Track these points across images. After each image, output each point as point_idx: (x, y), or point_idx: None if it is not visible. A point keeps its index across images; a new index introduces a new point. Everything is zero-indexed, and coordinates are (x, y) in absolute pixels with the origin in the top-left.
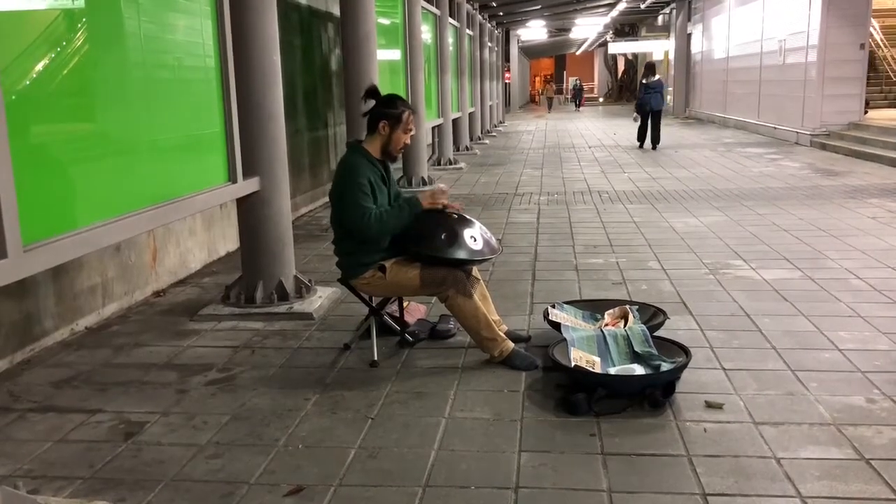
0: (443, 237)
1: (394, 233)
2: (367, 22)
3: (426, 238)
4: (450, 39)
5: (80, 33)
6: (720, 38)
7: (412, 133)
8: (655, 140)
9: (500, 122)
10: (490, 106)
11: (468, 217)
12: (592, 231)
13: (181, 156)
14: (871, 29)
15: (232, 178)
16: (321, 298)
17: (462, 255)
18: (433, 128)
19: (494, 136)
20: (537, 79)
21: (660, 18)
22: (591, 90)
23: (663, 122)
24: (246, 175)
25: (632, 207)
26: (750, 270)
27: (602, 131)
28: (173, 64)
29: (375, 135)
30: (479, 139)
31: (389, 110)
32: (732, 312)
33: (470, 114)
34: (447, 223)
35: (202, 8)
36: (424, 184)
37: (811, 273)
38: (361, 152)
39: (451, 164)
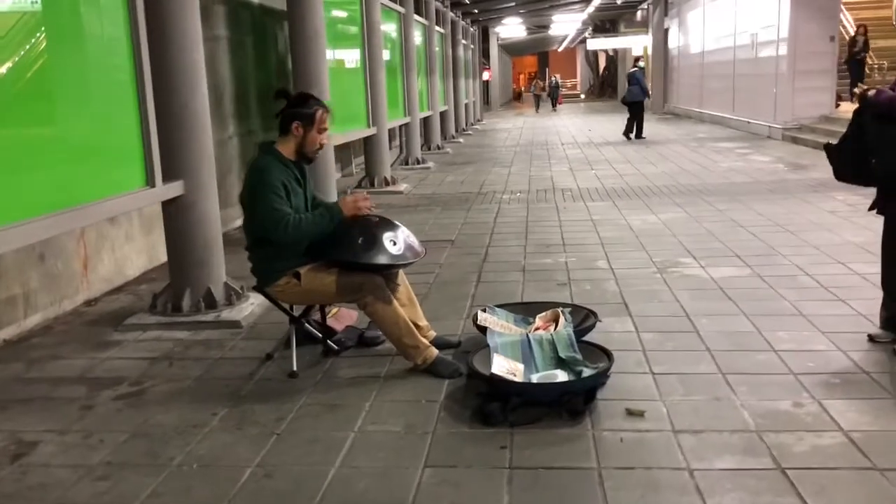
0: (360, 242)
1: (310, 240)
2: (314, 18)
3: (342, 243)
4: (416, 37)
5: None
6: (696, 32)
7: (327, 132)
8: (628, 131)
9: (478, 120)
10: (466, 104)
11: (389, 220)
12: (548, 230)
13: (87, 158)
14: (845, 21)
15: (150, 182)
16: (252, 305)
17: (381, 260)
18: (400, 127)
19: (470, 134)
20: (521, 76)
21: (638, 14)
22: (574, 87)
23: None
24: (167, 178)
25: (592, 205)
26: (698, 269)
27: (578, 129)
28: (78, 58)
29: (289, 136)
30: (453, 138)
31: (302, 110)
32: (672, 313)
33: (443, 112)
34: (365, 227)
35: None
36: (387, 184)
37: (760, 270)
38: (274, 154)
39: (419, 163)
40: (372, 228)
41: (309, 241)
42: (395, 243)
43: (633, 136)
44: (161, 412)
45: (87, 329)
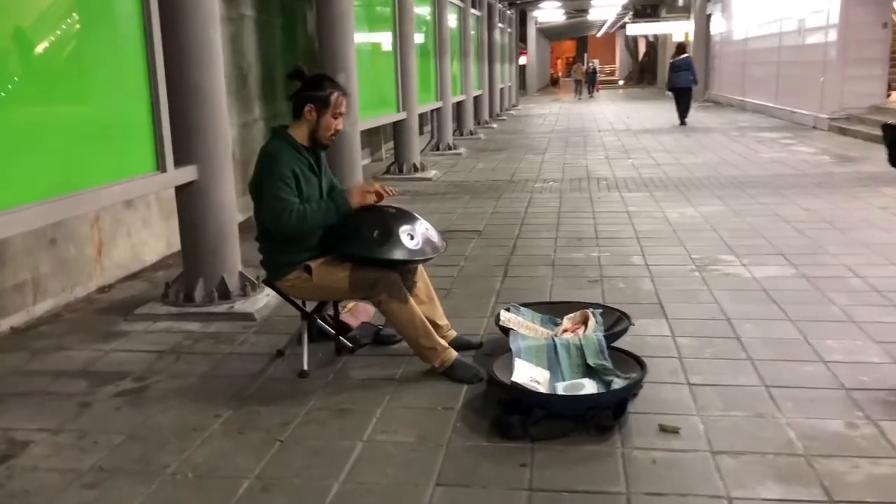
0: (374, 235)
1: (316, 232)
2: None
3: (356, 236)
4: (451, 20)
5: None
6: (739, 17)
7: (343, 117)
8: (682, 116)
9: (513, 106)
10: (501, 89)
11: (407, 211)
12: (581, 222)
13: (92, 140)
14: None
15: (161, 167)
16: (268, 297)
17: (396, 256)
18: (431, 111)
19: (505, 119)
20: (559, 61)
21: None
22: (613, 73)
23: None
24: (180, 163)
25: (628, 196)
26: (740, 267)
27: (616, 116)
28: (85, 34)
29: (302, 120)
30: (487, 123)
31: (316, 93)
32: (712, 316)
33: (476, 97)
34: (380, 219)
35: None
36: (416, 170)
37: (807, 271)
38: (286, 139)
39: (450, 149)
40: (388, 221)
41: (314, 232)
42: (412, 237)
43: (684, 121)
44: (161, 412)
45: (97, 318)
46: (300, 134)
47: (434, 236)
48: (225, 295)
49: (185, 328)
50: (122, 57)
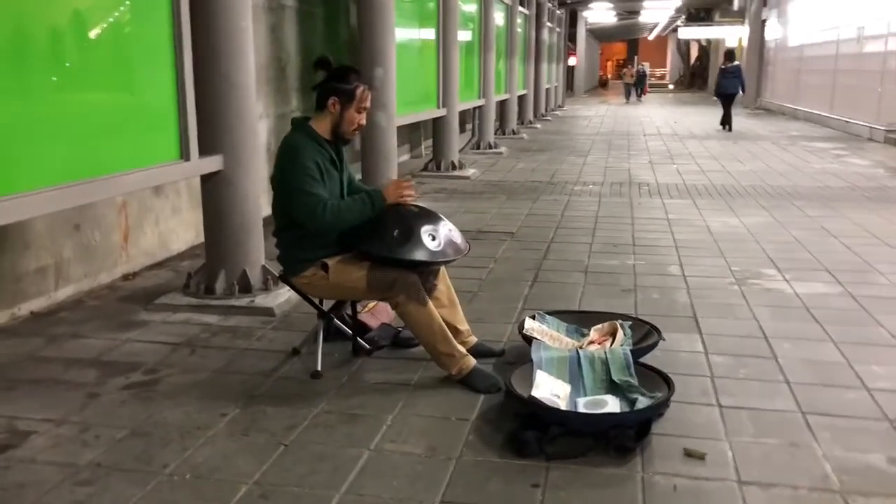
0: (395, 234)
1: (347, 228)
2: None
3: (375, 235)
4: (498, 17)
5: None
6: (796, 23)
7: (366, 111)
8: (725, 122)
9: (559, 106)
10: (547, 89)
11: (430, 211)
12: (618, 228)
13: (114, 125)
14: None
15: (184, 156)
16: (290, 292)
17: (417, 256)
18: (473, 109)
19: (549, 119)
20: (609, 63)
21: (735, 2)
22: (663, 77)
23: (732, 110)
24: (205, 153)
25: (670, 203)
26: (782, 282)
27: (663, 120)
28: (109, 21)
29: (325, 112)
30: (531, 123)
31: (341, 85)
32: (749, 333)
33: (521, 96)
34: (401, 218)
35: None
36: (453, 168)
37: (854, 289)
38: (307, 131)
39: (491, 147)
40: (409, 220)
41: (343, 229)
42: (433, 238)
43: (731, 127)
44: (168, 408)
45: (118, 305)
46: (322, 126)
47: (457, 237)
48: (246, 288)
49: (203, 320)
50: (149, 44)
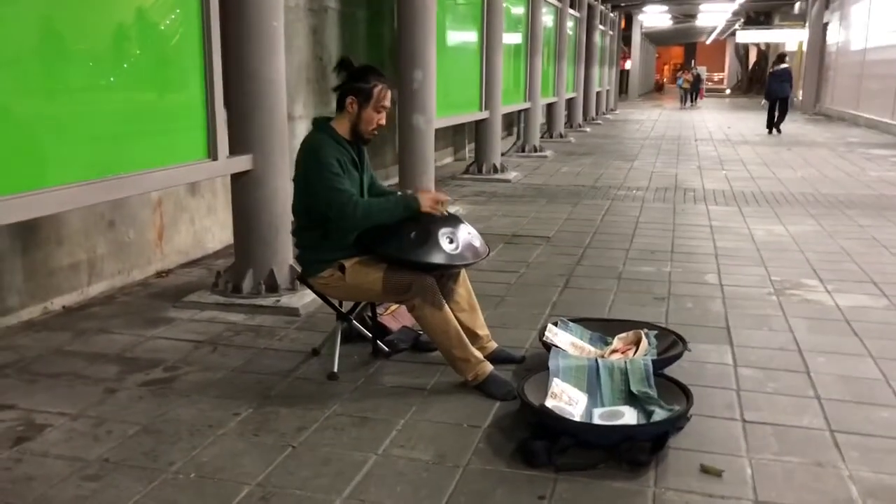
0: (412, 236)
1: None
2: None
3: (392, 236)
4: (546, 20)
5: None
6: (858, 27)
7: (386, 111)
8: (777, 124)
9: (611, 110)
10: (598, 93)
11: (451, 214)
12: (658, 234)
13: (139, 122)
14: None
15: (212, 155)
16: None
17: (434, 259)
18: (519, 112)
19: (599, 123)
20: (666, 67)
21: (796, 6)
22: (721, 81)
23: (788, 115)
24: (235, 152)
25: (714, 209)
26: (823, 293)
27: (717, 125)
28: (136, 16)
29: (344, 113)
30: (580, 126)
31: (359, 84)
32: (782, 345)
33: (570, 99)
34: (420, 220)
35: None
36: (495, 171)
37: None
38: (327, 131)
39: (536, 151)
40: (427, 222)
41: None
42: (451, 241)
43: (780, 129)
44: (182, 405)
45: (147, 302)
46: (342, 127)
47: (476, 241)
48: (273, 288)
49: (228, 319)
50: (178, 42)
